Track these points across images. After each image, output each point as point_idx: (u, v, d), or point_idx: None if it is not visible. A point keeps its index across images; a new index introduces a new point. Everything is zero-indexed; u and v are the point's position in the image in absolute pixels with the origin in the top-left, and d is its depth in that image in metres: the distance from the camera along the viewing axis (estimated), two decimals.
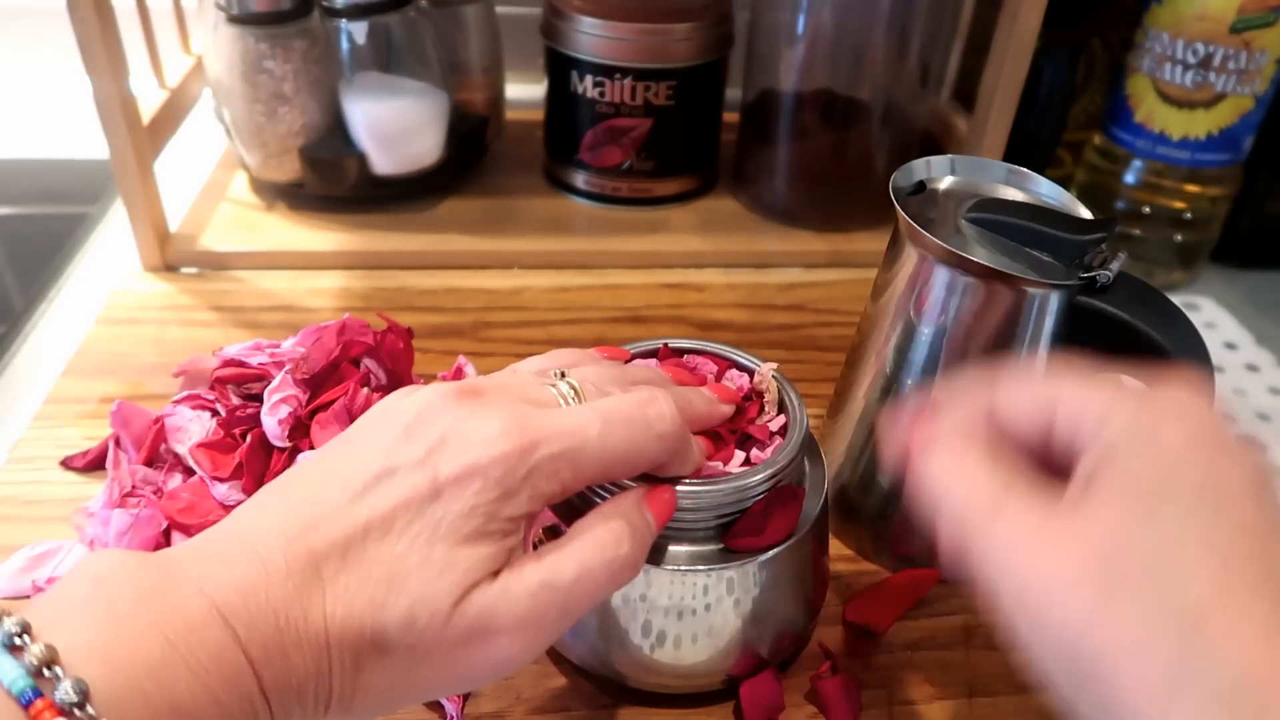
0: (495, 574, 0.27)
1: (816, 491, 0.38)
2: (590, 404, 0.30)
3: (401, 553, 0.26)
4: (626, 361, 0.38)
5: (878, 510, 0.45)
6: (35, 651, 0.21)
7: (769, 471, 0.34)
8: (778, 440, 0.37)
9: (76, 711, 0.21)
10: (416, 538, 0.26)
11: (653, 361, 0.40)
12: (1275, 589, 0.22)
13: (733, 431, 0.37)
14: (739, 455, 0.36)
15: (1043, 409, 0.27)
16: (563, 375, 0.31)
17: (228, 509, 0.42)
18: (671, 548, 0.35)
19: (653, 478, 0.33)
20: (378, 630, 0.25)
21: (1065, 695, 0.24)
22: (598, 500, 0.33)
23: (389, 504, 0.26)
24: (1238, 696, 0.20)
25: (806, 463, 0.39)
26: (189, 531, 0.41)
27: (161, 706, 0.22)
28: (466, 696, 0.38)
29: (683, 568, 0.34)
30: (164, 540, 0.42)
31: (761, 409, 0.38)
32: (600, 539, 0.29)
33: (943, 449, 0.28)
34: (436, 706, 0.38)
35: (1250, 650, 0.21)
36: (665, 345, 0.40)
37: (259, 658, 0.24)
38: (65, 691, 0.21)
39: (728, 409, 0.36)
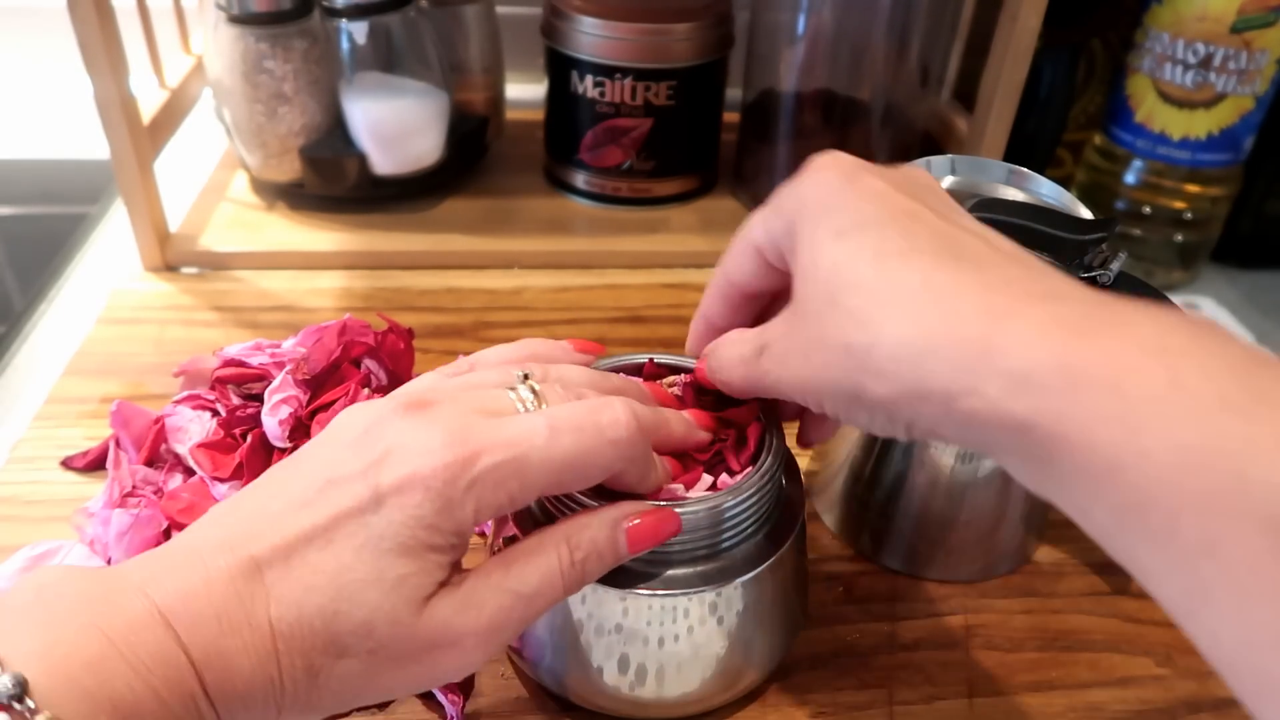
0: (456, 581, 0.28)
1: (796, 509, 0.37)
2: (541, 411, 0.29)
3: (348, 563, 0.26)
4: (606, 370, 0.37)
5: (878, 510, 0.45)
6: None
7: (744, 495, 0.33)
8: (749, 470, 0.35)
9: (15, 705, 0.21)
10: (361, 549, 0.26)
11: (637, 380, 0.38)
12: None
13: (711, 452, 0.36)
14: (705, 480, 0.35)
15: (750, 253, 0.33)
16: (526, 378, 0.31)
17: None
18: (643, 571, 0.34)
19: (618, 495, 0.32)
20: (332, 637, 0.26)
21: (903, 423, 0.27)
22: (564, 513, 0.32)
23: (330, 513, 0.26)
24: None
25: (784, 480, 0.38)
26: None
27: (101, 701, 0.23)
28: (467, 697, 0.38)
29: (660, 592, 0.33)
30: (164, 540, 0.42)
31: (740, 437, 0.36)
32: (561, 551, 0.30)
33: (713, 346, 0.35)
34: (436, 707, 0.38)
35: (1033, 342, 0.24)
36: (651, 360, 0.39)
37: (201, 660, 0.24)
38: (4, 685, 0.21)
39: (704, 436, 0.35)
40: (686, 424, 0.35)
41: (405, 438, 0.27)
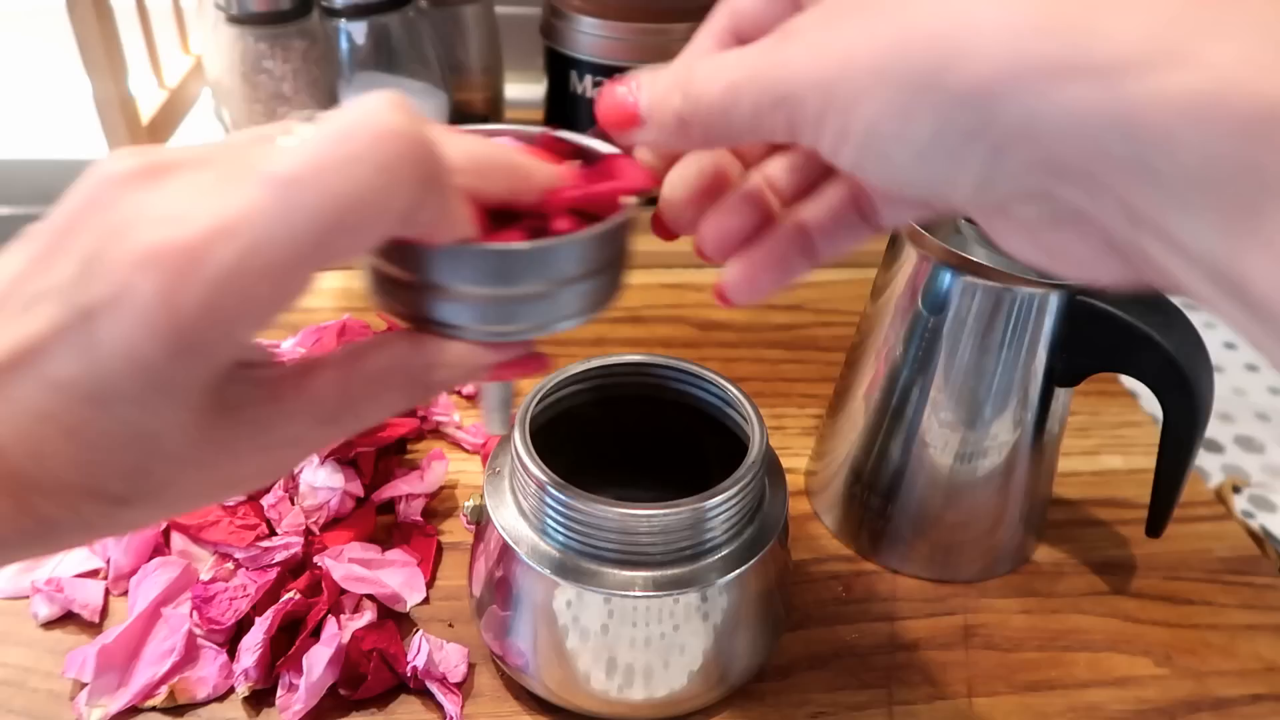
0: (264, 393, 0.22)
1: (780, 510, 0.37)
2: (270, 160, 0.19)
3: (86, 418, 0.19)
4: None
5: (878, 510, 0.45)
6: None
7: (729, 492, 0.34)
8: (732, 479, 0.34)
9: None
10: (91, 403, 0.19)
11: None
12: None
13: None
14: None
15: None
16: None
17: (226, 509, 0.42)
18: (628, 573, 0.34)
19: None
20: (97, 490, 0.20)
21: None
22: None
23: (36, 334, 0.19)
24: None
25: (766, 482, 0.38)
26: (187, 531, 0.41)
27: None
28: (466, 695, 0.38)
29: (651, 593, 0.34)
30: (163, 540, 0.42)
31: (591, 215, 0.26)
32: (415, 391, 0.24)
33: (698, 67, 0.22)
34: (436, 707, 0.38)
35: None
36: (548, 131, 0.28)
37: None
38: None
39: (555, 172, 0.24)
40: (547, 168, 0.24)
41: (119, 234, 0.19)
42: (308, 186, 0.19)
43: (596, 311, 0.26)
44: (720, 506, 0.34)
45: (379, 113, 0.19)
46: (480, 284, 0.23)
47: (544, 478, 0.34)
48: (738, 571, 0.35)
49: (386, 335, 0.24)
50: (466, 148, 0.22)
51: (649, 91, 0.23)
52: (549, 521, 0.34)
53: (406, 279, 0.24)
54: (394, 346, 0.24)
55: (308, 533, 0.42)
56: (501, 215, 0.24)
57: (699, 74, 0.22)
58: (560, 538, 0.34)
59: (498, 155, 0.23)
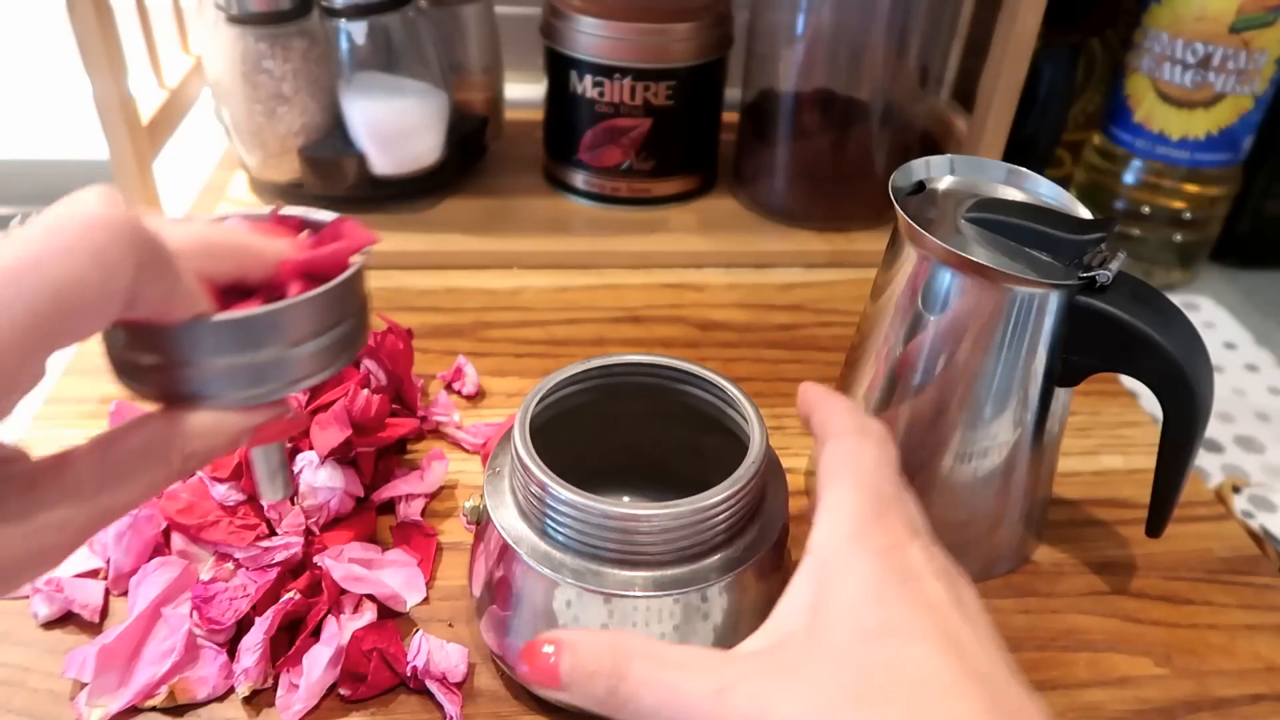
0: (35, 491, 0.23)
1: (780, 510, 0.37)
2: None
3: None
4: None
5: None
6: None
7: (728, 492, 0.34)
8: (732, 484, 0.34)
9: None
10: None
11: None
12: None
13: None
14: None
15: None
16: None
17: (226, 509, 0.42)
18: (627, 573, 0.34)
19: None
20: None
21: None
22: None
23: None
24: None
25: (767, 482, 0.38)
26: (188, 532, 0.41)
27: None
28: (466, 695, 0.38)
29: (645, 594, 0.34)
30: (163, 540, 0.42)
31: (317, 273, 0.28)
32: (172, 462, 0.25)
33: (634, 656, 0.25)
34: (436, 706, 0.38)
35: None
36: (275, 210, 0.31)
37: None
38: None
39: (282, 245, 0.27)
40: (272, 243, 0.27)
41: None
42: (22, 278, 0.20)
43: (341, 363, 0.28)
44: (720, 506, 0.34)
45: (88, 205, 0.21)
46: (219, 354, 0.25)
47: (544, 478, 0.34)
48: (738, 571, 0.35)
49: (141, 417, 0.25)
50: (190, 233, 0.24)
51: (576, 662, 0.25)
52: (549, 521, 0.34)
53: (151, 361, 0.25)
54: (148, 426, 0.25)
55: (308, 533, 0.42)
56: (242, 292, 0.26)
57: (637, 676, 0.24)
58: (560, 538, 0.34)
59: (222, 237, 0.25)
